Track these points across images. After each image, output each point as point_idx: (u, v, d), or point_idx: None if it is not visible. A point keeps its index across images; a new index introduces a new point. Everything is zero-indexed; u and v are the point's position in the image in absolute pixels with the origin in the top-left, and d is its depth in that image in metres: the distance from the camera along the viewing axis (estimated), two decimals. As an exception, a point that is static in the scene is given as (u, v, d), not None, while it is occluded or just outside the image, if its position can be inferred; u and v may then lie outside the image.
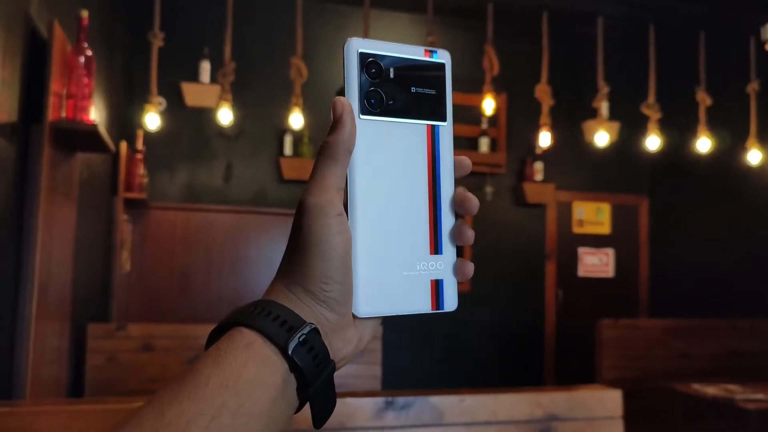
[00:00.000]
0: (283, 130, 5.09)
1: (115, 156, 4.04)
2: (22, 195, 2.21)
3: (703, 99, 4.58)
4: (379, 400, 1.50)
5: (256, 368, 0.41)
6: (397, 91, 0.48)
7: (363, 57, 0.47)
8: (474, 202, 0.49)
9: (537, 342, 5.80)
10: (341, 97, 0.46)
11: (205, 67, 4.79)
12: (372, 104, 0.47)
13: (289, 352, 0.42)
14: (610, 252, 6.04)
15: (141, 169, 4.41)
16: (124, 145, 4.20)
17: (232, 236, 5.10)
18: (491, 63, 4.26)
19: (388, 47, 0.48)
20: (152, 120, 4.18)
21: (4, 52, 2.00)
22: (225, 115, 4.21)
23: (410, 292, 0.48)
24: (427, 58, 0.49)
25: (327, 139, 0.45)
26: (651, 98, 4.59)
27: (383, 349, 3.53)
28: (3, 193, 2.06)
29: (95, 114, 2.65)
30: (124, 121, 4.59)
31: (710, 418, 3.74)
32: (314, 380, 0.43)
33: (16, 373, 2.17)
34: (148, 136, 4.65)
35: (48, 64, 2.23)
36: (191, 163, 5.12)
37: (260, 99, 5.15)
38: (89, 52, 2.41)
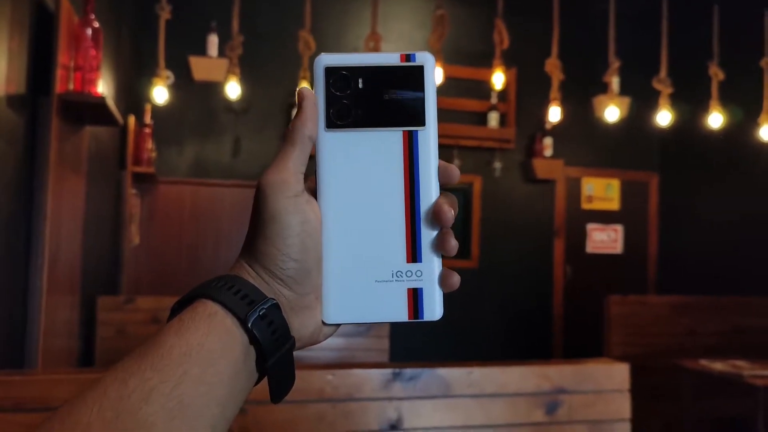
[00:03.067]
0: (291, 104, 5.06)
1: (123, 130, 4.04)
2: (31, 167, 2.22)
3: (716, 74, 4.52)
4: (387, 372, 1.51)
5: (218, 339, 0.42)
6: (367, 101, 0.47)
7: (329, 72, 0.47)
8: (447, 215, 0.47)
9: (545, 318, 5.81)
10: (305, 87, 0.47)
11: (213, 41, 4.75)
12: (337, 117, 0.47)
13: (249, 325, 0.42)
14: (618, 228, 6.02)
15: (149, 143, 4.41)
16: (132, 119, 4.20)
17: (240, 211, 5.11)
18: (501, 37, 4.21)
19: (359, 58, 0.48)
20: (160, 94, 4.17)
21: (11, 24, 1.99)
22: (233, 89, 4.19)
23: (383, 300, 0.48)
24: (403, 63, 0.48)
25: (289, 125, 0.47)
26: (662, 73, 4.53)
27: (391, 323, 3.54)
28: (12, 165, 2.06)
29: (103, 87, 2.64)
30: (132, 95, 4.58)
31: (717, 395, 3.75)
32: (272, 354, 0.44)
33: (28, 344, 2.19)
34: (156, 110, 4.64)
35: (55, 36, 2.22)
36: (199, 137, 5.11)
37: (268, 73, 5.12)
38: (96, 24, 2.40)
